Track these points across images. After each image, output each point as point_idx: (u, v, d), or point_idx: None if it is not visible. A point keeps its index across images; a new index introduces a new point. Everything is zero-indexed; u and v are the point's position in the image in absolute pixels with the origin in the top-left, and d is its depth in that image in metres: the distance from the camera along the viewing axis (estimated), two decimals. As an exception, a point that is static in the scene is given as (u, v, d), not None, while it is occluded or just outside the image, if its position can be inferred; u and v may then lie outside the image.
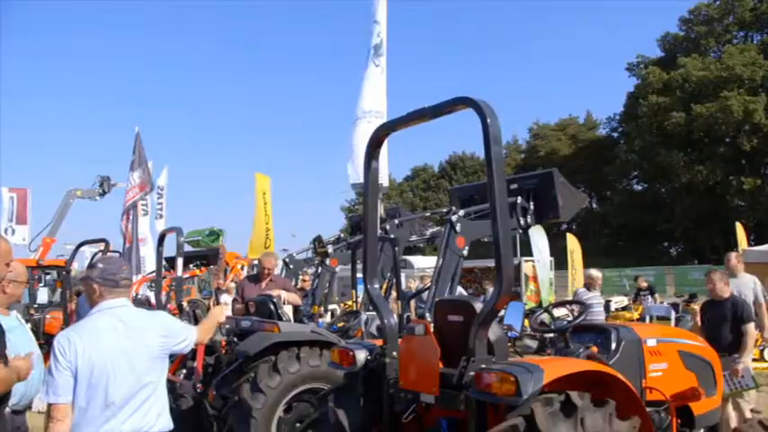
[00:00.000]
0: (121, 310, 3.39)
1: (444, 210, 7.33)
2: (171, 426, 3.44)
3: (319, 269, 9.74)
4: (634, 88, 48.10)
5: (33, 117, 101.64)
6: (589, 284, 9.78)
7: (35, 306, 14.63)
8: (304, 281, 12.98)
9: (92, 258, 12.21)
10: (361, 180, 10.41)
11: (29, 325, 4.79)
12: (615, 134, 53.25)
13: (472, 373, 3.33)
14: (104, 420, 3.20)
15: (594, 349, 4.28)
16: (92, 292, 3.43)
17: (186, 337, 3.59)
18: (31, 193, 24.41)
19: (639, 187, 51.38)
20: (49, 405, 3.20)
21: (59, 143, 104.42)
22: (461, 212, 6.35)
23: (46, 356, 4.40)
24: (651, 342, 4.46)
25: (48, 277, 19.21)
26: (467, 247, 6.31)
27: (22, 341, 4.10)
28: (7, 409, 3.81)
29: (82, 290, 13.91)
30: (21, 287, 4.47)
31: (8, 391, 3.45)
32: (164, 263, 8.08)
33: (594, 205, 54.75)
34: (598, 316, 9.38)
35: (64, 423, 3.16)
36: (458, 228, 6.23)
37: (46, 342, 4.86)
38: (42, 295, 18.12)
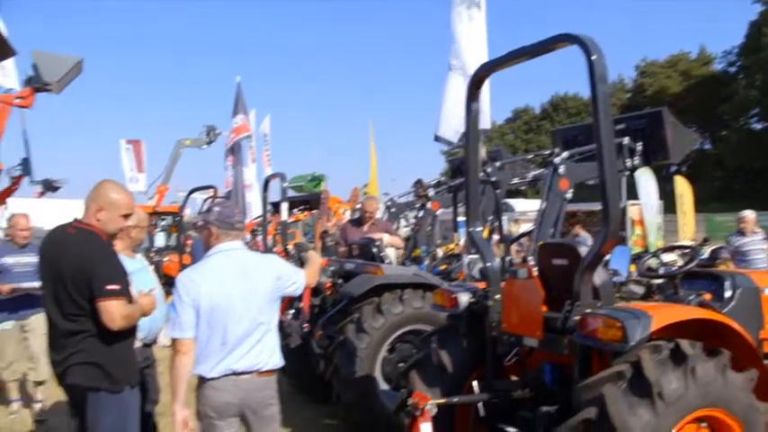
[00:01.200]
0: (238, 252, 3.55)
1: (547, 152, 7.15)
2: (282, 363, 3.60)
3: (420, 213, 9.78)
4: (758, 16, 44.45)
5: (145, 71, 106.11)
6: (743, 228, 8.81)
7: (153, 250, 15.50)
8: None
9: (202, 204, 12.79)
10: (445, 136, 10.30)
11: (151, 267, 5.16)
12: (733, 69, 49.72)
13: (577, 318, 3.29)
14: (222, 356, 3.38)
15: (707, 297, 4.09)
16: (209, 235, 3.62)
17: (297, 280, 3.71)
18: (146, 144, 25.66)
19: (759, 126, 48.04)
20: (174, 339, 3.42)
21: (169, 95, 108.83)
22: (565, 154, 6.18)
23: (167, 296, 4.73)
24: (770, 290, 4.22)
25: (163, 222, 20.31)
26: (571, 190, 6.16)
27: (146, 282, 4.40)
28: (138, 343, 4.13)
29: (193, 234, 14.66)
30: (143, 232, 4.80)
31: (135, 325, 3.72)
32: (269, 208, 8.33)
33: (707, 146, 51.77)
34: (758, 264, 8.35)
35: (187, 356, 3.38)
36: (561, 170, 6.07)
37: (165, 283, 5.19)
38: (159, 239, 19.22)
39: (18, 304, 6.37)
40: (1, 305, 6.44)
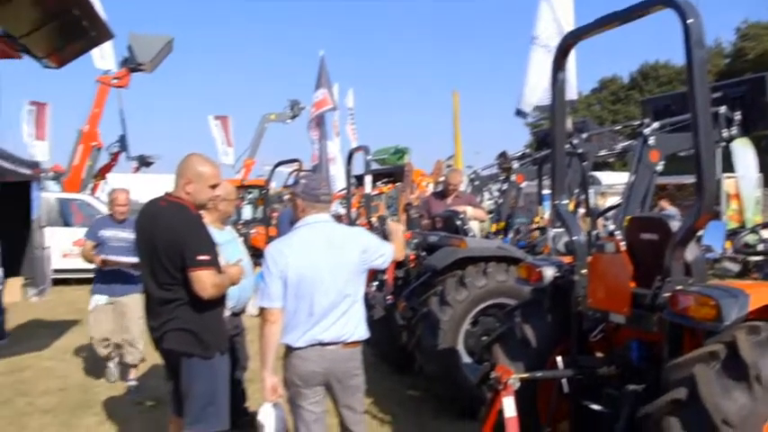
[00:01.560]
0: (325, 225, 3.61)
1: (636, 122, 6.91)
2: (367, 335, 3.66)
3: (504, 185, 9.66)
4: None
5: (231, 48, 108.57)
6: None
7: (240, 222, 15.99)
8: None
9: (287, 178, 13.06)
10: (527, 110, 10.06)
11: (240, 239, 5.32)
12: None
13: (667, 295, 3.18)
14: (309, 327, 3.47)
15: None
16: (296, 207, 3.72)
17: (384, 252, 3.74)
18: (232, 120, 26.38)
19: None
20: (262, 309, 3.53)
21: (254, 71, 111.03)
22: (656, 125, 5.94)
23: (255, 267, 4.90)
24: None
25: (250, 196, 20.87)
26: (661, 162, 5.93)
27: (234, 253, 4.58)
28: (227, 312, 4.30)
29: (278, 207, 14.99)
30: (231, 204, 4.96)
31: (224, 295, 3.87)
32: (352, 181, 8.42)
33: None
34: None
35: (275, 325, 3.48)
36: (651, 141, 5.85)
37: (253, 254, 5.35)
38: (246, 212, 19.78)
39: (113, 281, 6.50)
40: (97, 281, 6.69)
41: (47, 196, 13.89)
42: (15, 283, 11.32)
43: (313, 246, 3.52)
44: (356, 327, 3.57)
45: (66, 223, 14.88)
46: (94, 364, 7.51)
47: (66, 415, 5.77)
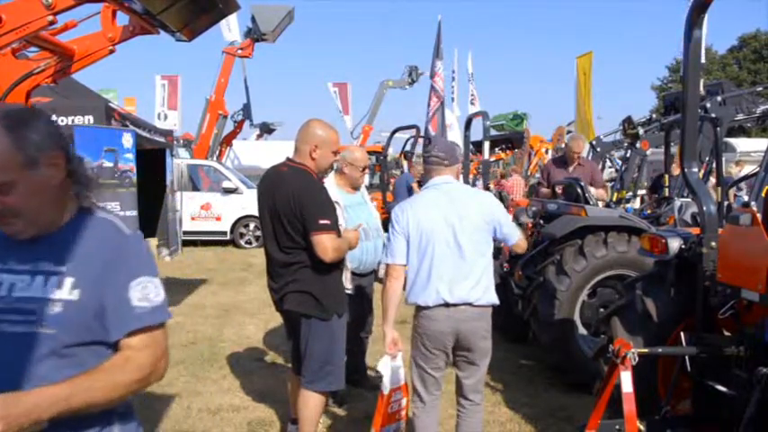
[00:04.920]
0: (447, 186, 3.62)
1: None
2: (496, 301, 3.60)
3: (629, 152, 9.26)
4: None
5: (349, 14, 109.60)
6: None
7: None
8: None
9: (405, 143, 13.13)
10: None
11: (374, 203, 5.49)
12: None
13: (809, 271, 2.95)
14: (434, 286, 3.47)
15: None
16: (423, 171, 3.79)
17: (511, 232, 3.68)
18: (351, 87, 26.73)
19: None
20: (387, 265, 3.63)
21: (373, 38, 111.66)
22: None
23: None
24: None
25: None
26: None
27: (360, 216, 4.74)
28: (348, 273, 4.52)
29: (394, 173, 15.07)
30: (357, 171, 5.07)
31: (342, 258, 3.95)
32: (470, 147, 8.34)
33: None
34: None
35: (398, 281, 3.57)
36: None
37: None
38: (364, 178, 20.02)
39: None
40: None
41: (178, 162, 14.71)
42: (151, 244, 12.18)
43: (433, 204, 3.55)
44: (484, 291, 3.51)
45: (196, 188, 15.73)
46: (220, 321, 7.96)
47: (196, 367, 6.16)
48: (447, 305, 3.46)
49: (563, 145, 19.86)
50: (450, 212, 3.50)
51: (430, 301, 3.48)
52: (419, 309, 3.55)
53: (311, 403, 3.89)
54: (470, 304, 3.47)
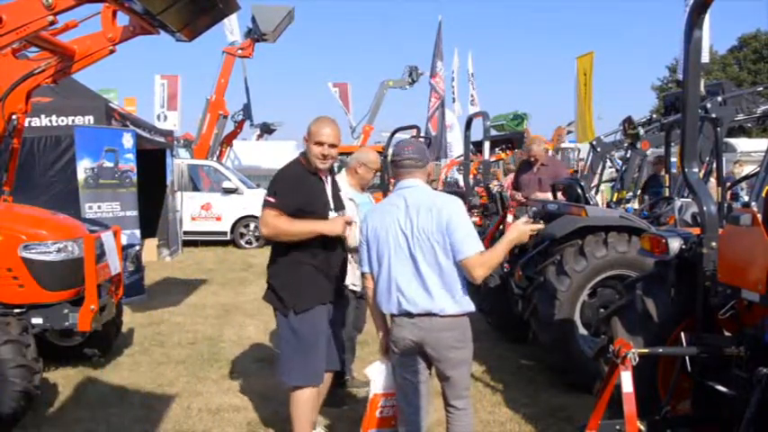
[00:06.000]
0: (408, 190, 3.41)
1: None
2: (470, 308, 3.38)
3: (629, 152, 9.26)
4: None
5: (349, 14, 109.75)
6: None
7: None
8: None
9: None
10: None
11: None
12: None
13: (809, 272, 2.94)
14: (396, 295, 3.34)
15: None
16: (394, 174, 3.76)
17: (460, 250, 3.23)
18: (351, 87, 26.72)
19: None
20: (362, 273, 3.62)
21: (372, 38, 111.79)
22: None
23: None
24: None
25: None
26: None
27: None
28: (356, 270, 4.55)
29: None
30: (370, 172, 5.15)
31: (315, 254, 3.93)
32: (471, 147, 8.35)
33: None
34: None
35: (369, 290, 3.54)
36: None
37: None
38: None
39: None
40: None
41: (178, 162, 14.70)
42: (151, 244, 12.20)
43: (390, 210, 3.40)
44: (451, 300, 3.28)
45: (196, 188, 15.74)
46: (220, 321, 7.96)
47: (196, 367, 6.16)
48: (410, 315, 3.31)
49: (563, 144, 19.90)
50: (405, 220, 3.32)
51: (394, 310, 3.37)
52: (391, 315, 3.45)
53: (293, 400, 3.96)
54: (435, 315, 3.27)
